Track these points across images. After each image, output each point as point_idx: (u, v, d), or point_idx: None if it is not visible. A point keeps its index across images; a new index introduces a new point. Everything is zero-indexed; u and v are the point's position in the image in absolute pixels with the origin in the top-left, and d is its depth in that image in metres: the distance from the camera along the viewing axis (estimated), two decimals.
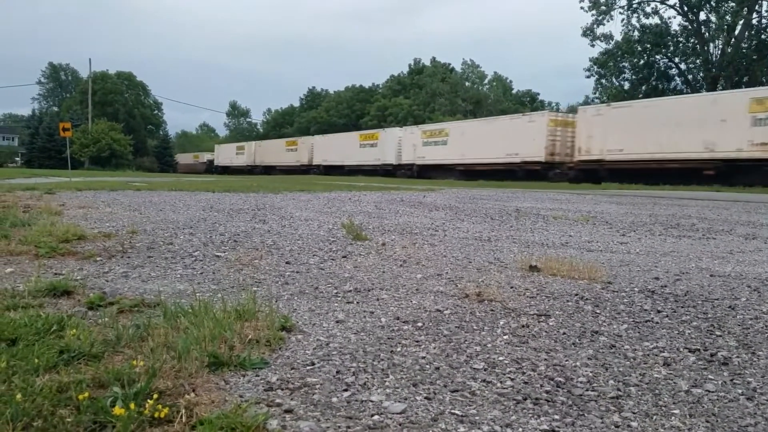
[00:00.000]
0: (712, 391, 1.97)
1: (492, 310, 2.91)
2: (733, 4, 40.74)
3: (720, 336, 2.58)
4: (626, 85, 47.53)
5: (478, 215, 8.10)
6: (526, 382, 2.01)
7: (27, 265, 3.72)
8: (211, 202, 9.05)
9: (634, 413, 1.79)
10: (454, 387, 1.94)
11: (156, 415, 1.56)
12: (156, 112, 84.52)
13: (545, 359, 2.24)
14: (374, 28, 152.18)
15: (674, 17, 51.10)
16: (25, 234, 4.72)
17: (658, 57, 46.33)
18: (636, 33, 45.62)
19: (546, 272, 3.85)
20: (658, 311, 2.96)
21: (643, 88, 45.90)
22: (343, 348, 2.29)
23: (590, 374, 2.10)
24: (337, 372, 2.03)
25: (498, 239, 5.70)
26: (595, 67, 47.48)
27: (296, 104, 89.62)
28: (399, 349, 2.31)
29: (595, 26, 45.73)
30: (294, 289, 3.33)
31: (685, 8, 43.99)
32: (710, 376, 2.11)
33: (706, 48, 43.71)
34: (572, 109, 38.47)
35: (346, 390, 1.88)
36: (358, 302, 3.06)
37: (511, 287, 3.44)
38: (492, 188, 16.68)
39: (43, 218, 5.87)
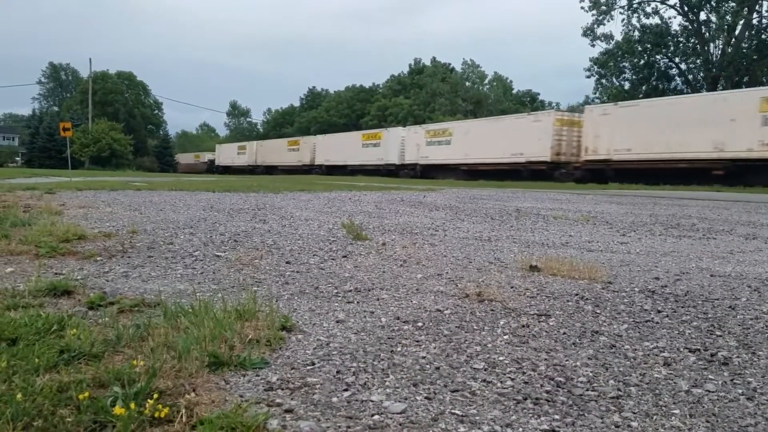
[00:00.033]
0: (713, 391, 1.97)
1: (492, 310, 2.91)
2: (734, 4, 40.72)
3: (720, 336, 2.58)
4: (626, 85, 47.53)
5: (478, 215, 8.10)
6: (526, 382, 2.01)
7: (27, 265, 3.72)
8: (212, 201, 9.06)
9: (634, 413, 1.79)
10: (454, 387, 1.94)
11: (156, 414, 1.56)
12: (156, 111, 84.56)
13: (545, 359, 2.24)
14: (374, 28, 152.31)
15: (674, 17, 51.04)
16: (25, 234, 4.72)
17: (658, 57, 46.31)
18: (636, 33, 45.65)
19: (546, 272, 3.85)
20: (659, 311, 2.96)
21: (644, 88, 45.88)
22: (344, 348, 2.30)
23: (590, 374, 2.10)
24: (338, 372, 2.03)
25: (498, 239, 5.70)
26: (596, 67, 47.47)
27: (296, 104, 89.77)
28: (399, 349, 2.31)
29: (595, 26, 45.75)
30: (294, 288, 3.33)
31: (686, 8, 43.98)
32: (710, 376, 2.11)
33: (706, 48, 43.70)
34: (572, 109, 38.52)
35: (346, 390, 1.88)
36: (358, 302, 3.06)
37: (512, 287, 3.44)
38: (492, 188, 16.68)
39: (44, 218, 5.87)
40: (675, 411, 1.82)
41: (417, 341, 2.41)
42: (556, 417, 1.75)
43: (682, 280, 3.73)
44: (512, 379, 2.03)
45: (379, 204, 9.48)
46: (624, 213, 8.75)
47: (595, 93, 49.35)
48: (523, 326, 2.66)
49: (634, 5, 45.13)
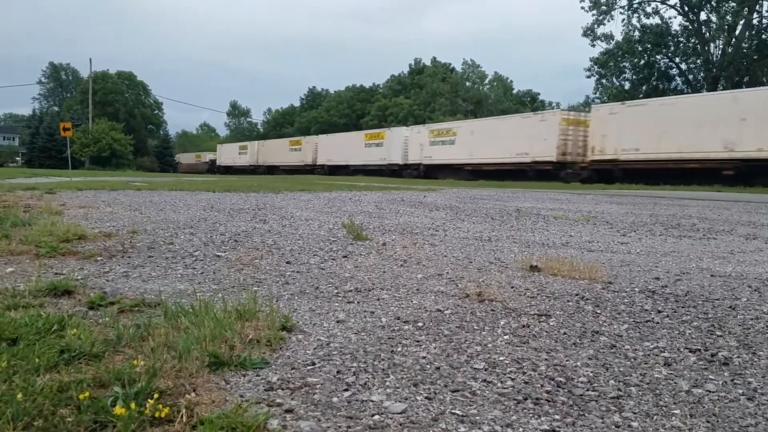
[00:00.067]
0: (713, 392, 1.97)
1: (492, 310, 2.91)
2: (734, 4, 40.72)
3: (721, 336, 2.58)
4: (627, 85, 47.55)
5: (478, 215, 8.10)
6: (526, 382, 2.01)
7: (28, 265, 3.72)
8: (212, 201, 9.06)
9: (634, 413, 1.79)
10: (454, 387, 1.94)
11: (156, 414, 1.56)
12: (156, 111, 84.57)
13: (546, 359, 2.24)
14: (374, 28, 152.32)
15: (675, 17, 50.97)
16: (25, 234, 4.72)
17: (658, 57, 46.32)
18: (636, 33, 45.66)
19: (546, 272, 3.85)
20: (659, 311, 2.96)
21: (644, 88, 45.89)
22: (344, 348, 2.29)
23: (591, 374, 2.10)
24: (338, 372, 2.03)
25: (498, 239, 5.70)
26: (596, 67, 47.47)
27: (297, 104, 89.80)
28: (399, 349, 2.31)
29: (595, 26, 45.76)
30: (294, 288, 3.33)
31: (686, 8, 43.98)
32: (711, 377, 2.11)
33: (706, 48, 43.69)
34: (573, 109, 38.49)
35: (346, 390, 1.88)
36: (358, 302, 3.06)
37: (512, 287, 3.44)
38: (492, 188, 16.68)
39: (44, 218, 5.87)
40: (675, 411, 1.82)
41: (417, 341, 2.41)
42: (557, 417, 1.75)
43: (682, 280, 3.73)
44: (512, 379, 2.03)
45: (379, 204, 9.48)
46: (624, 213, 8.75)
47: (595, 93, 49.44)
48: (524, 326, 2.66)
49: (635, 5, 45.17)
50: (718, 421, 1.76)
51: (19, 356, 1.95)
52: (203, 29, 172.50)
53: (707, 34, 43.91)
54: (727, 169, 19.78)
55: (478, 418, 1.72)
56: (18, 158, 63.63)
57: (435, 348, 2.33)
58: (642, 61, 46.07)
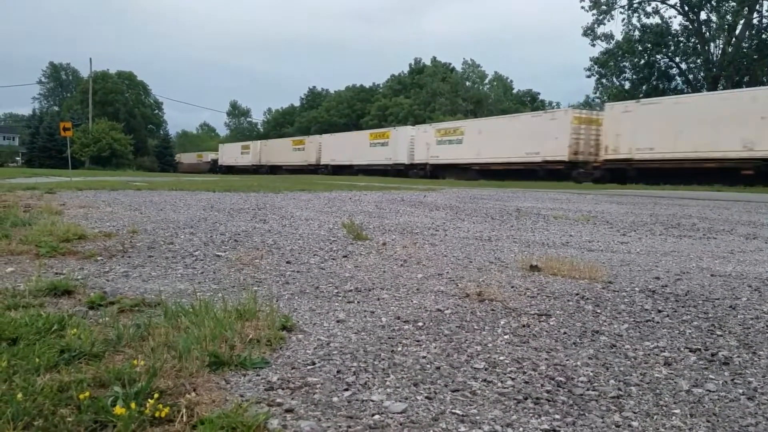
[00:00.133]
0: (713, 391, 1.97)
1: (493, 310, 2.91)
2: (734, 3, 40.72)
3: (721, 336, 2.58)
4: (627, 85, 47.55)
5: (478, 215, 8.10)
6: (526, 382, 2.01)
7: (28, 265, 3.72)
8: (212, 201, 9.06)
9: (634, 413, 1.79)
10: (454, 386, 1.94)
11: (157, 414, 1.56)
12: (156, 111, 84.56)
13: (546, 359, 2.24)
14: (375, 27, 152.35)
15: (675, 17, 51.16)
16: (25, 233, 4.72)
17: (658, 57, 46.31)
18: (636, 33, 45.65)
19: (547, 272, 3.85)
20: (659, 311, 2.96)
21: (644, 87, 45.89)
22: (344, 347, 2.29)
23: (591, 374, 2.10)
24: (338, 371, 2.03)
25: (498, 239, 5.70)
26: (596, 66, 47.46)
27: (297, 104, 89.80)
28: (400, 349, 2.31)
29: (595, 26, 45.75)
30: (295, 288, 3.33)
31: (686, 8, 43.98)
32: (711, 376, 2.11)
33: (706, 48, 43.69)
34: (574, 108, 38.38)
35: (346, 389, 1.88)
36: (358, 302, 3.06)
37: (512, 287, 3.44)
38: (492, 188, 16.68)
39: (44, 218, 5.88)
40: (675, 411, 1.82)
41: (417, 341, 2.41)
42: (557, 417, 1.75)
43: (682, 279, 3.73)
44: (513, 379, 2.03)
45: (379, 204, 9.48)
46: (624, 213, 8.75)
47: (595, 93, 49.49)
48: (524, 326, 2.66)
49: (635, 5, 45.17)
50: (718, 420, 1.76)
51: (20, 356, 1.95)
52: (203, 29, 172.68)
53: (707, 33, 43.92)
54: (746, 168, 19.39)
55: (478, 417, 1.72)
56: (18, 158, 63.65)
57: (435, 348, 2.33)
58: (642, 61, 46.07)
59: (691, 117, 21.04)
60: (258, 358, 2.08)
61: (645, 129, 22.30)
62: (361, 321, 2.68)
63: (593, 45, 48.13)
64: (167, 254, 4.30)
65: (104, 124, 54.06)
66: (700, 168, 20.74)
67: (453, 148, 31.05)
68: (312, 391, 1.86)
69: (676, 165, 21.53)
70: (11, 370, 1.82)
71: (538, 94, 72.37)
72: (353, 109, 73.43)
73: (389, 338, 2.44)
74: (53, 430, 1.51)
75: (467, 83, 70.97)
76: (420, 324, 2.65)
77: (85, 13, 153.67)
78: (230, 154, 56.33)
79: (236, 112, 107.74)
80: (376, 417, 1.70)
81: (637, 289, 3.43)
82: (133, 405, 1.55)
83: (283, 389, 1.86)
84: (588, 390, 1.95)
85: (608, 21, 45.72)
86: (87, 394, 1.63)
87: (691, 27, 44.62)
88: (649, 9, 45.28)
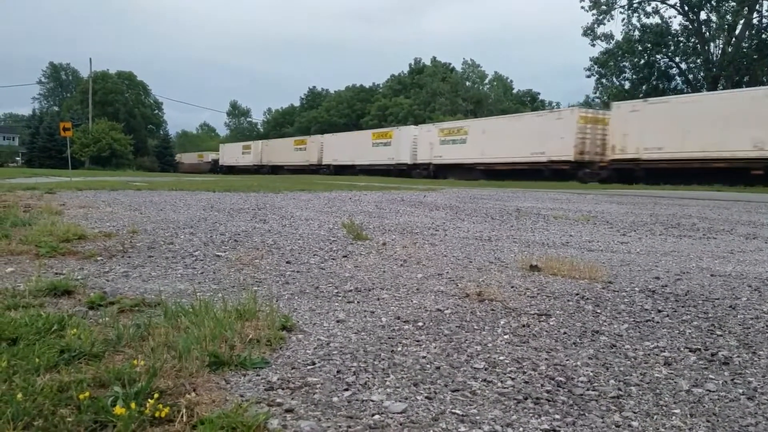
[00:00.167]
0: (713, 391, 1.97)
1: (493, 310, 2.91)
2: (734, 3, 40.72)
3: (721, 335, 2.58)
4: (627, 85, 47.56)
5: (478, 215, 8.10)
6: (526, 382, 2.01)
7: (28, 265, 3.72)
8: (212, 201, 9.06)
9: (634, 413, 1.79)
10: (454, 386, 1.94)
11: (157, 414, 1.56)
12: (156, 111, 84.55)
13: (546, 359, 2.24)
14: (374, 28, 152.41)
15: (675, 17, 51.18)
16: (25, 233, 4.72)
17: (658, 56, 46.32)
18: (636, 32, 45.66)
19: (546, 272, 3.85)
20: (659, 311, 2.96)
21: (644, 87, 45.89)
22: (344, 347, 2.29)
23: (591, 374, 2.10)
24: (338, 371, 2.03)
25: (498, 239, 5.70)
26: (596, 66, 47.47)
27: (297, 104, 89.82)
28: (400, 349, 2.31)
29: (595, 26, 45.76)
30: (294, 288, 3.33)
31: (686, 8, 43.98)
32: (711, 376, 2.11)
33: (706, 48, 43.69)
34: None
35: (346, 389, 1.88)
36: (358, 302, 3.06)
37: (512, 287, 3.44)
38: (492, 188, 16.68)
39: (44, 218, 5.88)
40: (675, 411, 1.82)
41: (417, 341, 2.41)
42: (557, 417, 1.75)
43: (682, 279, 3.73)
44: (513, 379, 2.03)
45: (379, 204, 9.48)
46: (624, 213, 8.75)
47: (595, 93, 49.50)
48: (524, 326, 2.66)
49: (635, 5, 45.18)
50: (718, 420, 1.76)
51: (19, 356, 1.95)
52: (203, 29, 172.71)
53: (707, 33, 43.92)
54: (756, 168, 19.14)
55: (478, 417, 1.72)
56: (18, 158, 63.65)
57: (435, 347, 2.33)
58: (642, 61, 46.07)
59: (700, 116, 20.76)
60: (258, 358, 2.08)
61: (653, 128, 22.00)
62: (361, 321, 2.68)
63: (593, 45, 48.19)
64: (167, 254, 4.30)
65: (104, 124, 54.04)
66: (708, 168, 20.47)
67: (457, 148, 30.71)
68: (312, 391, 1.86)
69: (685, 165, 21.23)
70: (11, 370, 1.82)
71: (538, 94, 72.44)
72: (353, 109, 73.42)
73: (389, 338, 2.44)
74: (53, 430, 1.51)
75: (467, 83, 70.96)
76: (420, 324, 2.65)
77: (85, 13, 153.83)
78: (231, 154, 56.20)
79: (236, 112, 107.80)
80: (376, 417, 1.70)
81: (637, 289, 3.43)
82: (133, 405, 1.55)
83: (283, 389, 1.86)
84: (588, 390, 1.95)
85: (608, 21, 45.80)
86: (87, 394, 1.63)
87: (691, 27, 44.63)
88: (649, 9, 45.36)
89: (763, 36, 41.33)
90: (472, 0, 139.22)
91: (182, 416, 1.60)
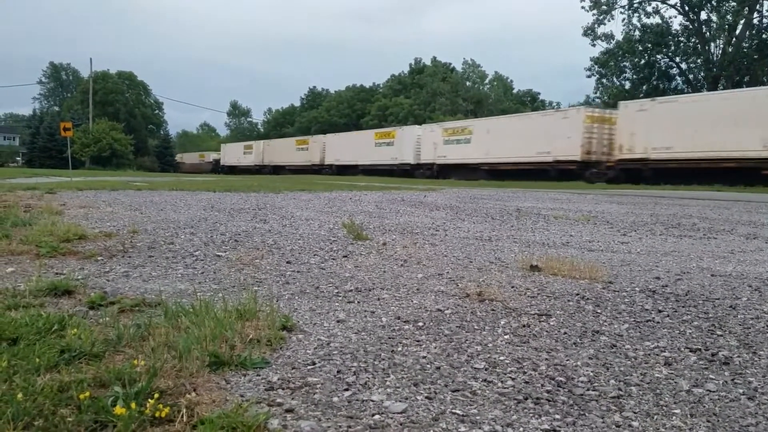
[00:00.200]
0: (713, 391, 1.97)
1: (493, 310, 2.91)
2: (734, 3, 40.70)
3: (721, 336, 2.58)
4: (627, 85, 47.55)
5: (478, 215, 8.10)
6: (527, 382, 2.01)
7: (28, 265, 3.72)
8: (212, 201, 9.06)
9: (635, 413, 1.79)
10: (455, 386, 1.94)
11: (157, 414, 1.56)
12: (157, 111, 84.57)
13: (546, 359, 2.24)
14: (374, 28, 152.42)
15: (675, 17, 51.16)
16: (26, 233, 4.72)
17: (659, 56, 46.30)
18: (637, 32, 45.63)
19: (547, 272, 3.85)
20: (659, 311, 2.96)
21: (644, 87, 45.87)
22: (344, 347, 2.29)
23: (591, 374, 2.10)
24: (338, 371, 2.03)
25: (499, 239, 5.70)
26: (596, 66, 47.44)
27: (297, 104, 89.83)
28: (400, 349, 2.31)
29: (596, 26, 45.74)
30: (295, 288, 3.33)
31: (686, 8, 43.97)
32: (711, 376, 2.11)
33: (707, 47, 43.68)
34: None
35: (347, 389, 1.88)
36: (358, 302, 3.06)
37: (512, 287, 3.44)
38: (493, 188, 16.68)
39: (44, 218, 5.88)
40: (676, 411, 1.82)
41: (418, 341, 2.41)
42: (557, 417, 1.75)
43: (682, 279, 3.73)
44: (513, 379, 2.03)
45: (379, 204, 9.48)
46: (625, 213, 8.74)
47: (595, 93, 49.43)
48: (524, 326, 2.66)
49: (635, 5, 45.17)
50: (718, 420, 1.76)
51: (20, 356, 1.95)
52: (203, 29, 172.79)
53: (707, 33, 43.90)
54: (766, 168, 18.90)
55: (478, 417, 1.72)
56: (18, 158, 63.66)
57: (435, 348, 2.33)
58: (642, 61, 46.05)
59: (709, 116, 20.50)
60: (258, 358, 2.08)
61: (661, 128, 21.74)
62: (362, 321, 2.68)
63: (593, 45, 48.19)
64: (167, 254, 4.30)
65: (104, 124, 54.05)
66: (718, 168, 20.21)
67: (461, 148, 30.38)
68: (312, 391, 1.86)
69: (694, 165, 20.94)
70: (11, 370, 1.82)
71: (539, 94, 72.46)
72: (353, 109, 73.43)
73: (389, 338, 2.44)
74: (53, 430, 1.51)
75: (467, 83, 70.95)
76: (420, 324, 2.65)
77: (85, 13, 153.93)
78: (233, 154, 56.09)
79: (236, 112, 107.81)
80: (377, 417, 1.70)
81: (637, 289, 3.43)
82: (133, 405, 1.55)
83: (283, 389, 1.86)
84: (588, 390, 1.95)
85: (608, 21, 45.77)
86: (87, 394, 1.63)
87: (691, 27, 44.62)
88: (649, 9, 45.35)
89: (764, 36, 41.32)
90: (472, 0, 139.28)
91: (182, 416, 1.60)
